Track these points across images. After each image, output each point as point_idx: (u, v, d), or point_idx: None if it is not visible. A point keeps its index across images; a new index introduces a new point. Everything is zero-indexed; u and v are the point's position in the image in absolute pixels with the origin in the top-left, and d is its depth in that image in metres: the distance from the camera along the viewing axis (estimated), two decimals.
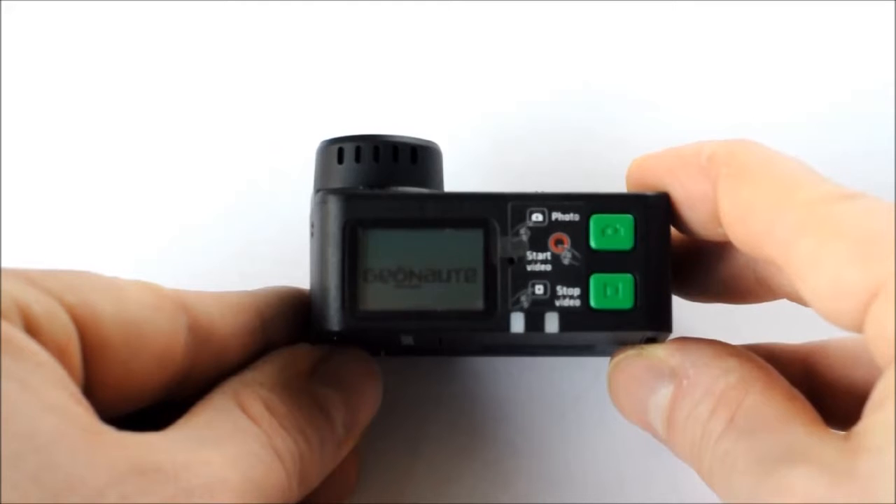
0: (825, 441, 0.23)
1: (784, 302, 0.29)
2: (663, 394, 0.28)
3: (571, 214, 0.28)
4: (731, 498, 0.25)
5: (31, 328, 0.23)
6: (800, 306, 0.27)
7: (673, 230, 0.28)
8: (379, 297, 0.27)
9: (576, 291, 0.28)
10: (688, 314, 0.32)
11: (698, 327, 0.32)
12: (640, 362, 0.28)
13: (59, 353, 0.23)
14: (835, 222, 0.23)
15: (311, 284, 0.28)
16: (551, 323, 0.28)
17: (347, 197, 0.28)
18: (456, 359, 0.34)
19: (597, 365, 0.33)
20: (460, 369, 0.34)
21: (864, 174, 0.35)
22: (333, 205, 0.28)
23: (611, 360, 0.30)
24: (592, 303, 0.28)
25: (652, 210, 0.28)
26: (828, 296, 0.23)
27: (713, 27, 0.37)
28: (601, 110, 0.36)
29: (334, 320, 0.27)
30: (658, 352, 0.28)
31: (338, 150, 0.30)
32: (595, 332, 0.28)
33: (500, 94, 0.36)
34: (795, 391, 0.26)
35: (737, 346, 0.28)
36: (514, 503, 0.34)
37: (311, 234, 0.29)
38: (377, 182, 0.29)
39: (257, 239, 0.35)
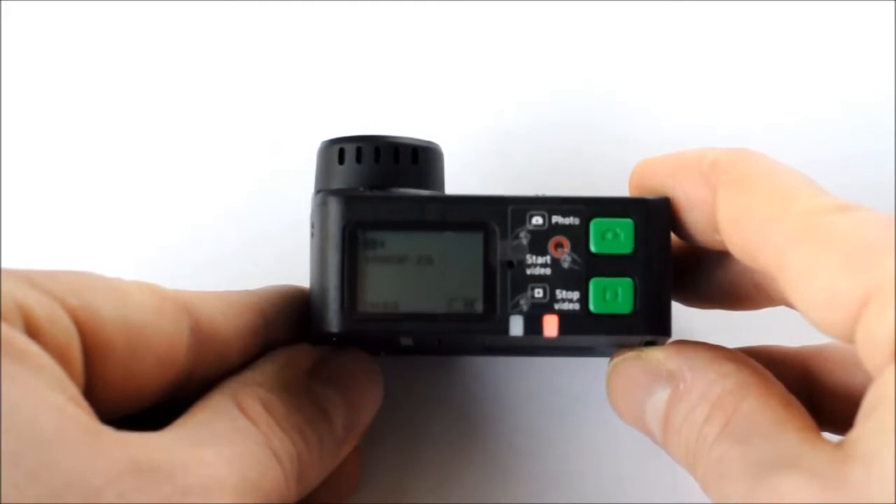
0: (818, 448, 0.24)
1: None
2: (660, 397, 0.28)
3: (571, 218, 0.28)
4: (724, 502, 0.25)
5: (32, 330, 0.23)
6: None
7: (672, 236, 0.28)
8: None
9: (575, 295, 0.28)
10: (687, 316, 0.32)
11: (697, 329, 0.32)
12: (638, 365, 0.28)
13: (60, 356, 0.24)
14: (827, 233, 0.23)
15: (311, 285, 0.28)
16: (550, 327, 0.28)
17: (347, 199, 0.28)
18: (456, 359, 0.34)
19: (597, 365, 0.33)
20: (460, 369, 0.34)
21: (865, 176, 0.35)
22: (333, 206, 0.28)
23: (609, 361, 0.30)
24: (592, 307, 0.28)
25: (652, 214, 0.28)
26: (819, 305, 0.23)
27: (714, 28, 0.37)
28: (602, 111, 0.36)
29: (333, 321, 0.28)
30: (656, 354, 0.28)
31: (339, 151, 0.29)
32: (594, 335, 0.28)
33: (502, 94, 0.36)
34: (791, 397, 0.26)
35: (735, 351, 0.28)
36: (513, 503, 0.34)
37: (312, 235, 0.29)
38: (378, 183, 0.29)
39: (258, 238, 0.35)
